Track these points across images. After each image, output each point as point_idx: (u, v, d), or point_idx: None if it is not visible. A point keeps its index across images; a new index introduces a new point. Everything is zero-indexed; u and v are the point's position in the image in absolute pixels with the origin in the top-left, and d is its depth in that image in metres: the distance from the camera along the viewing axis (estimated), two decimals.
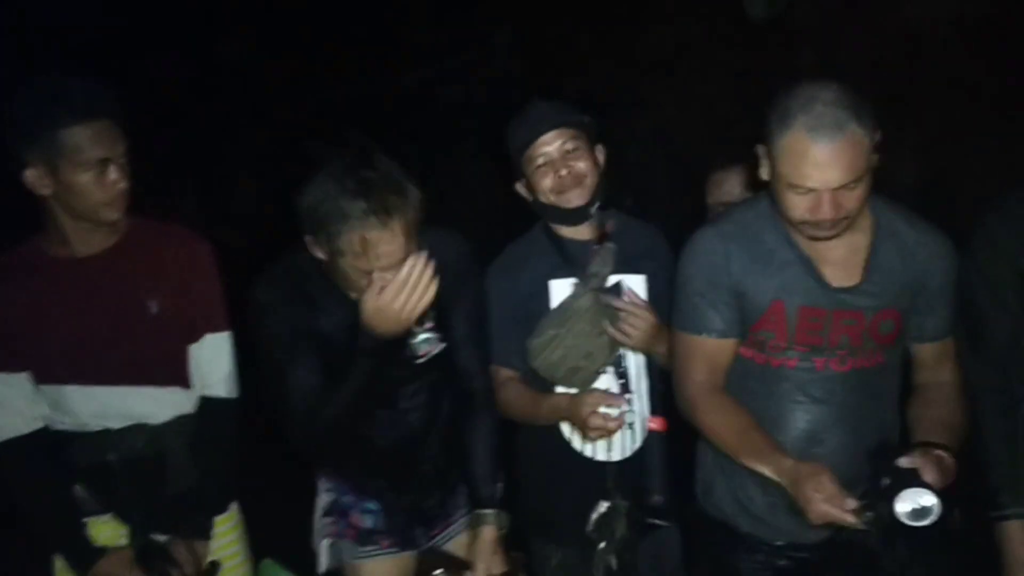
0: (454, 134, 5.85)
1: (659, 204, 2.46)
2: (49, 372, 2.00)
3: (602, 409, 1.98)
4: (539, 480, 2.22)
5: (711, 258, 1.89)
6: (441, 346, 1.94)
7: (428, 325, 1.93)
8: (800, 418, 1.88)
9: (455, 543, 2.22)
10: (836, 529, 1.83)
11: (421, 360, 1.94)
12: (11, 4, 5.28)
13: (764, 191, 1.92)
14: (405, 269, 1.77)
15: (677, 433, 2.14)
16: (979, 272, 1.83)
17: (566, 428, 2.17)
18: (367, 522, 2.16)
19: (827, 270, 1.85)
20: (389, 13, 5.97)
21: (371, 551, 2.17)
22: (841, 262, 1.85)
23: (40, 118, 1.88)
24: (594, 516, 2.06)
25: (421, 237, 1.84)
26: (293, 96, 6.10)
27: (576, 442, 2.16)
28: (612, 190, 2.22)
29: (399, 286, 1.76)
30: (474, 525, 2.05)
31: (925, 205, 2.04)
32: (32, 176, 1.91)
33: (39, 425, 2.02)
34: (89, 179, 1.90)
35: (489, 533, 2.02)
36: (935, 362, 1.95)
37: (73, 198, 1.93)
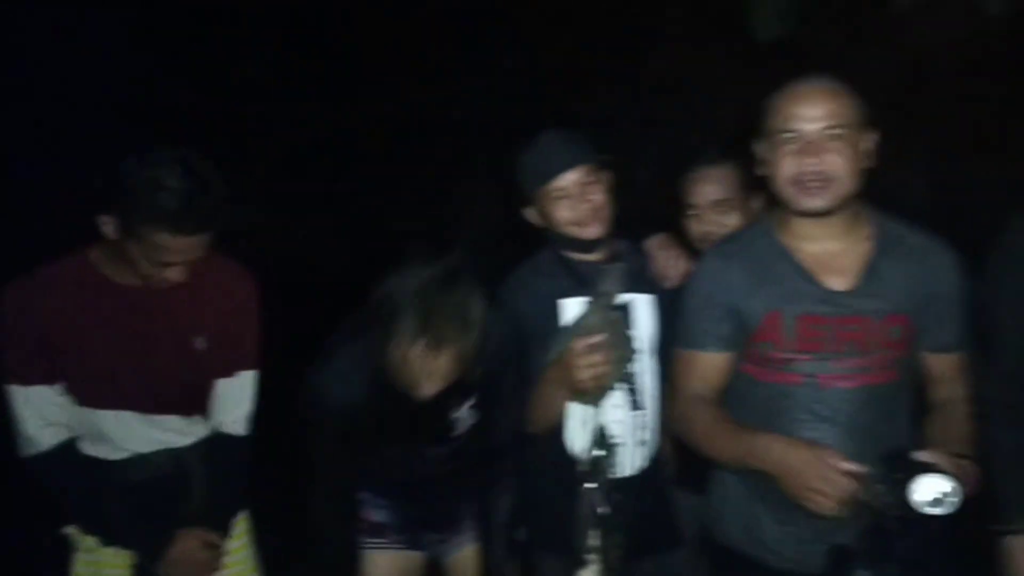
0: (464, 155, 5.88)
1: (665, 226, 2.45)
2: (89, 395, 2.03)
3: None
4: (547, 495, 2.22)
5: (709, 276, 1.95)
6: (475, 418, 2.09)
7: (469, 404, 2.06)
8: (805, 436, 1.85)
9: (463, 553, 2.34)
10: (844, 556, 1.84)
11: (457, 432, 2.10)
12: None
13: (771, 210, 1.96)
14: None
15: None
16: (995, 281, 1.84)
17: (571, 443, 2.18)
18: (379, 516, 2.30)
19: (827, 278, 1.87)
20: (398, 35, 6.01)
21: (379, 543, 2.30)
22: (842, 269, 1.88)
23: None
24: (588, 456, 2.03)
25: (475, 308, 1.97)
26: (302, 118, 6.14)
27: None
28: (619, 213, 2.25)
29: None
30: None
31: (934, 223, 2.05)
32: (103, 222, 1.93)
33: (63, 437, 2.04)
34: (141, 258, 1.93)
35: None
36: (953, 376, 1.94)
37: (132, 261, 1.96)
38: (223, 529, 2.18)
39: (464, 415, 2.09)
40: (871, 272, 1.87)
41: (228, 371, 2.14)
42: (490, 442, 2.18)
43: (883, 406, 1.89)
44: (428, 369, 1.93)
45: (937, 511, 1.55)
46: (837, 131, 1.79)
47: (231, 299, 2.13)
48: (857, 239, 1.89)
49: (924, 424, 1.93)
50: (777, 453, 1.75)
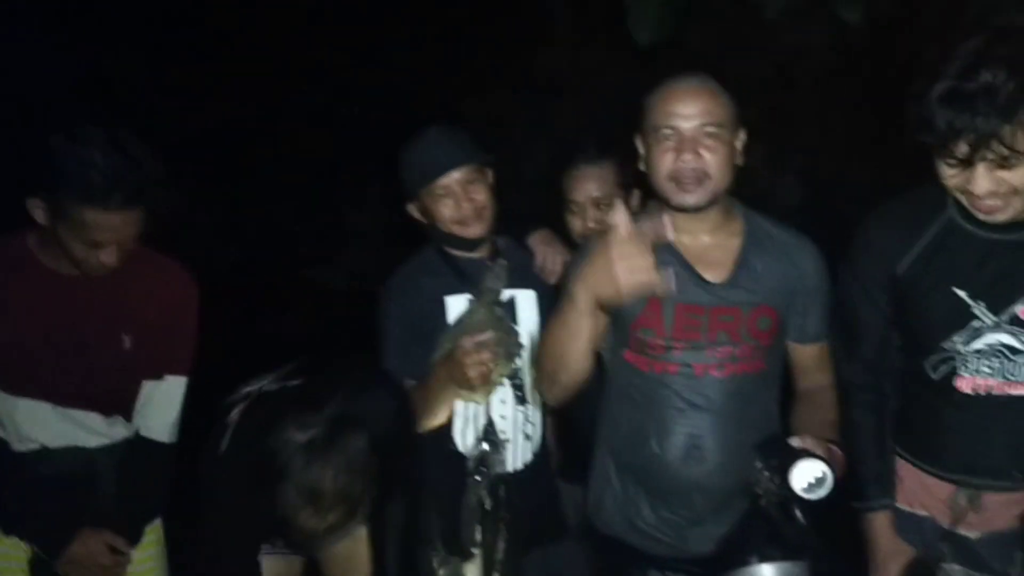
0: (351, 153, 5.82)
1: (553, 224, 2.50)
2: (6, 379, 1.96)
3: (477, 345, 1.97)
4: (435, 493, 2.20)
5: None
6: None
7: None
8: (681, 424, 1.93)
9: (343, 544, 2.22)
10: (722, 541, 1.92)
11: None
12: None
13: (650, 205, 2.02)
14: None
15: None
16: (855, 272, 1.91)
17: (459, 440, 2.19)
18: None
19: (703, 269, 1.94)
20: (286, 30, 5.91)
21: (266, 549, 2.17)
22: (716, 262, 1.95)
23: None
24: (475, 451, 2.07)
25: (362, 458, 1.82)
26: (182, 114, 5.98)
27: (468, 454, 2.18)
28: (507, 210, 2.27)
29: None
30: None
31: (806, 223, 2.15)
32: (33, 205, 1.89)
33: None
34: (72, 240, 1.88)
35: None
36: (817, 365, 2.03)
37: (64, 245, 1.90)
38: (131, 535, 2.11)
39: None
40: (742, 265, 1.95)
41: (156, 373, 2.08)
42: None
43: (752, 394, 1.97)
44: (317, 527, 1.80)
45: (813, 495, 1.62)
46: (713, 129, 1.86)
47: (165, 299, 2.07)
48: (728, 234, 1.98)
49: (791, 411, 2.02)
50: (581, 274, 1.74)
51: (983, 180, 1.61)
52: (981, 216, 1.70)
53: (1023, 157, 1.56)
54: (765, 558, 1.66)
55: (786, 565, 1.65)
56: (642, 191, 2.33)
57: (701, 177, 1.86)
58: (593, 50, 5.06)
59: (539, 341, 1.87)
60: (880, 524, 1.92)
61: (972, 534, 1.87)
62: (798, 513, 1.68)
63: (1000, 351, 1.78)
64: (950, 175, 1.66)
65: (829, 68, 4.22)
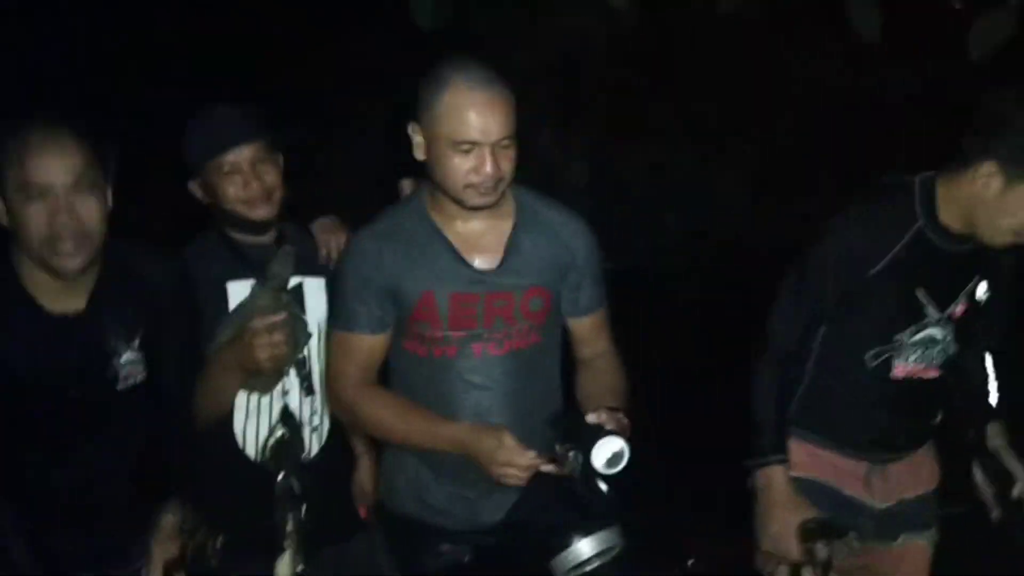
0: (134, 143, 5.50)
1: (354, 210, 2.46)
2: None
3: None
4: (217, 491, 2.06)
5: (363, 257, 1.98)
6: (143, 375, 1.87)
7: (135, 344, 1.84)
8: (466, 406, 1.97)
9: None
10: (512, 509, 1.99)
11: (121, 387, 1.85)
12: None
13: (420, 189, 2.05)
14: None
15: None
16: (826, 266, 2.04)
17: (240, 436, 2.12)
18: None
19: (475, 256, 1.98)
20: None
21: None
22: (488, 247, 1.99)
23: None
24: (270, 443, 2.03)
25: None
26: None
27: (250, 451, 2.12)
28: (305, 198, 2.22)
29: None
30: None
31: (593, 202, 2.22)
32: None
33: None
34: None
35: (168, 520, 1.94)
36: (593, 335, 2.12)
37: None
38: None
39: (129, 362, 1.85)
40: (512, 249, 1.99)
41: None
42: (163, 416, 1.96)
43: (533, 367, 2.04)
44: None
45: (613, 470, 1.74)
46: (509, 140, 1.89)
47: None
48: (500, 217, 2.00)
49: (575, 379, 2.10)
50: (463, 440, 1.91)
51: None
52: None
53: None
54: (583, 533, 1.78)
55: (602, 534, 1.79)
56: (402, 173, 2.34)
57: (498, 183, 1.90)
58: (381, 37, 5.04)
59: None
60: (779, 476, 2.07)
61: (880, 504, 2.15)
62: (602, 486, 1.78)
63: (926, 342, 2.06)
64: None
65: (604, 54, 4.36)
